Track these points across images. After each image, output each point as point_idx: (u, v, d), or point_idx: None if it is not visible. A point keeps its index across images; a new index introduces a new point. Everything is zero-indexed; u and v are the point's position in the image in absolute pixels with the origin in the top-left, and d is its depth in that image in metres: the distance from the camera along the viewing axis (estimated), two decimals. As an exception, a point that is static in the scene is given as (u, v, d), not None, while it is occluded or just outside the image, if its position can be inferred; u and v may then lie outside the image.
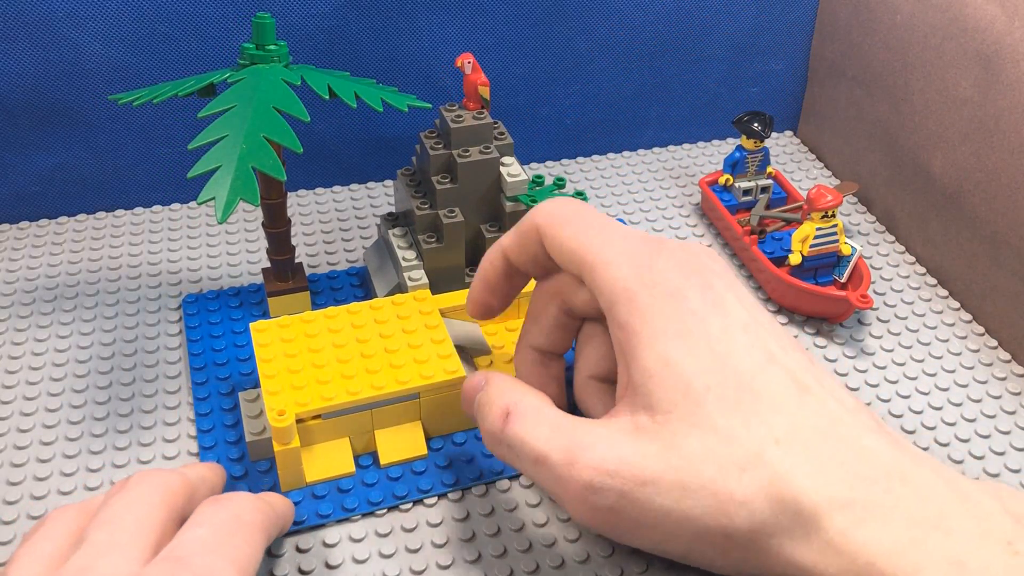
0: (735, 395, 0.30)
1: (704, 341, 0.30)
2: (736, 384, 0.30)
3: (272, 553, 0.36)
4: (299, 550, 0.36)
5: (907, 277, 0.52)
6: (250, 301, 0.48)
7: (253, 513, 0.32)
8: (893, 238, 0.56)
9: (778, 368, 0.30)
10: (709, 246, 0.54)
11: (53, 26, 0.49)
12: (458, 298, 0.44)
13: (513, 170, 0.45)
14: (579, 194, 0.45)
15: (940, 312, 0.50)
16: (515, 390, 0.34)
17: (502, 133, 0.46)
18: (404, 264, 0.45)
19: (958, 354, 0.47)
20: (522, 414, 0.32)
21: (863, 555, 0.27)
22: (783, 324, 0.48)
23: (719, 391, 0.30)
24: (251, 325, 0.41)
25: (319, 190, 0.58)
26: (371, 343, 0.40)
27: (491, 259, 0.38)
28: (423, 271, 0.45)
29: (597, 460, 0.30)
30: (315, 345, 0.40)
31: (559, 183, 0.46)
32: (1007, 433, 0.42)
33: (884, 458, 0.29)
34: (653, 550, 0.31)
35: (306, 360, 0.39)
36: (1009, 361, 0.46)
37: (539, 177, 0.46)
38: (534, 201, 0.44)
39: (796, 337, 0.47)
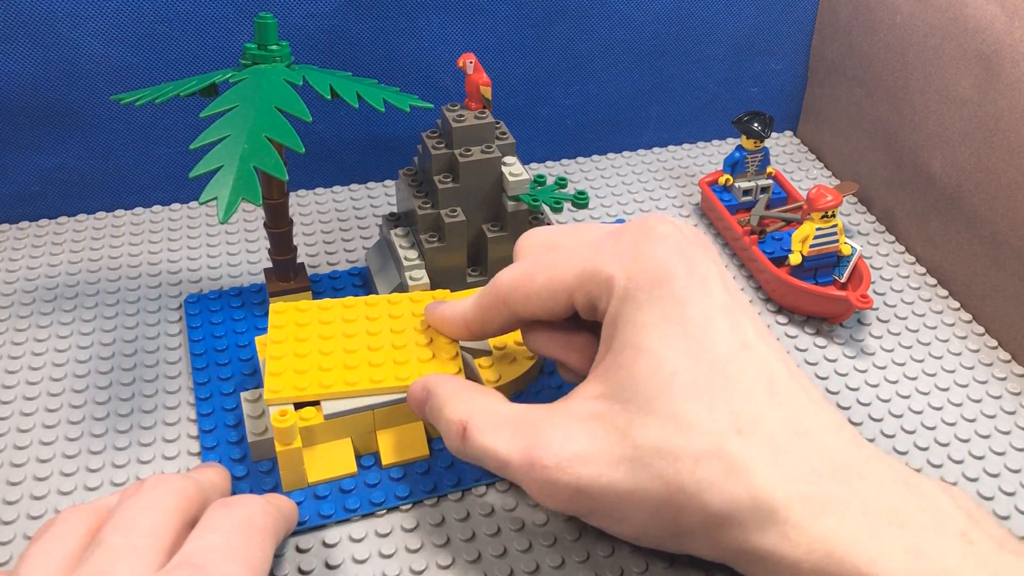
0: (705, 380, 0.30)
1: (680, 326, 0.31)
2: (708, 368, 0.30)
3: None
4: (299, 550, 0.36)
5: (907, 277, 0.52)
6: (252, 301, 0.48)
7: (264, 517, 0.32)
8: (893, 238, 0.56)
9: (753, 355, 0.31)
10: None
11: (53, 26, 0.49)
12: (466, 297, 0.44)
13: (515, 169, 0.45)
14: (580, 193, 0.45)
15: (940, 312, 0.50)
16: (464, 399, 0.34)
17: (504, 133, 0.46)
18: (406, 264, 0.45)
19: (958, 354, 0.47)
20: (478, 426, 0.33)
21: (822, 545, 0.27)
22: (783, 324, 0.48)
23: (686, 376, 0.30)
24: (271, 305, 0.41)
25: (319, 190, 0.58)
26: (380, 337, 0.40)
27: (450, 331, 0.39)
28: (425, 271, 0.45)
29: (553, 458, 0.31)
30: (326, 332, 0.40)
31: (560, 183, 0.46)
32: (1007, 433, 0.42)
33: (843, 454, 0.29)
34: (610, 531, 0.32)
35: (313, 346, 0.39)
36: (1009, 361, 0.46)
37: (540, 177, 0.46)
38: (535, 200, 0.44)
39: (796, 337, 0.48)
